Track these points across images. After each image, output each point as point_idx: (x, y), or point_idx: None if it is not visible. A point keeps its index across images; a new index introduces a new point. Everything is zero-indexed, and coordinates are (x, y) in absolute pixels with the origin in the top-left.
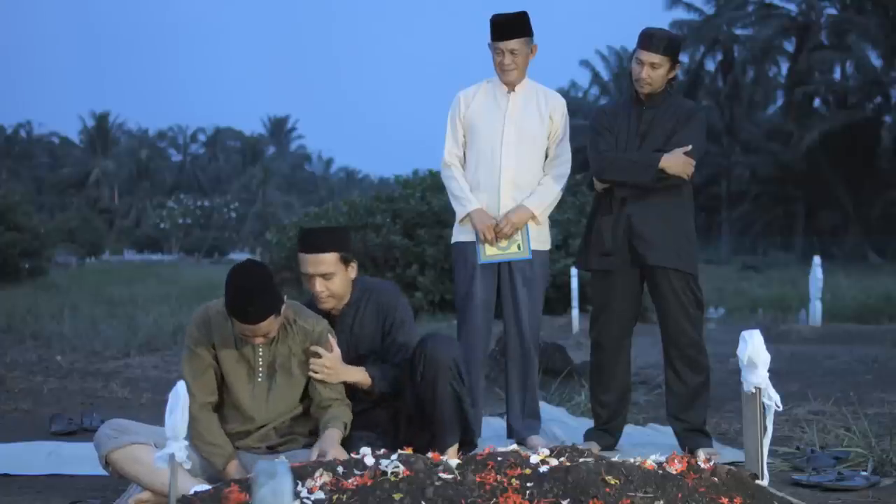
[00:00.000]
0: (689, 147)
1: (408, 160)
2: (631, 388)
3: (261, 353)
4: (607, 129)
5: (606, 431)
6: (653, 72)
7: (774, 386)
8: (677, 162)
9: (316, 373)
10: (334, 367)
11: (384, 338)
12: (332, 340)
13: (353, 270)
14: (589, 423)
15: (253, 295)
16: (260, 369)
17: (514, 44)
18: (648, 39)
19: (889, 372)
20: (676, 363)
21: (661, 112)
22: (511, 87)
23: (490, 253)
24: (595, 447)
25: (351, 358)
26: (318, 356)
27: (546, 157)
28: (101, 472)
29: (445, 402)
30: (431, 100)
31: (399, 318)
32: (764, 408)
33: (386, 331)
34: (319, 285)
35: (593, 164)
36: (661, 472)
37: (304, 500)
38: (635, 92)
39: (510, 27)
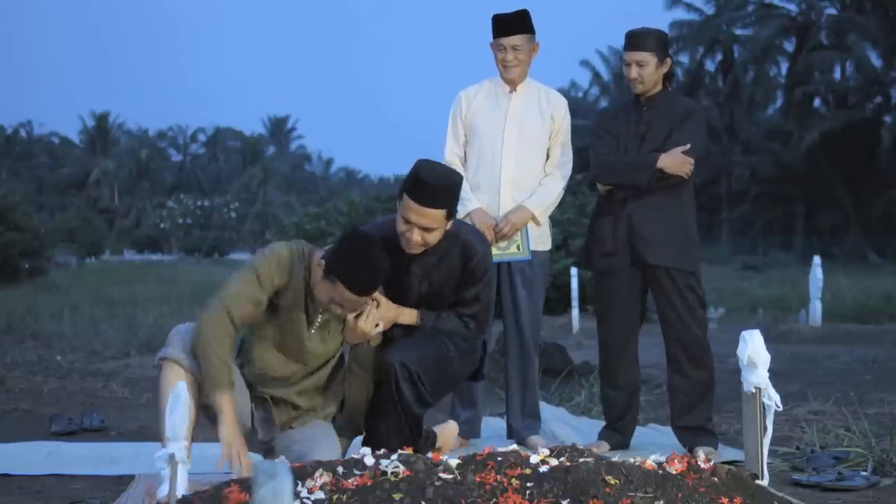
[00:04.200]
0: (688, 146)
1: (408, 160)
2: (640, 387)
3: (321, 311)
4: (607, 132)
5: (617, 430)
6: (641, 70)
7: (774, 386)
8: (674, 161)
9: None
10: (386, 317)
11: (460, 284)
12: (380, 296)
13: (450, 224)
14: (589, 422)
15: (378, 268)
16: (317, 323)
17: (516, 39)
18: (631, 39)
19: (889, 372)
20: (681, 363)
21: (661, 112)
22: (513, 86)
23: None
24: (605, 446)
25: (420, 295)
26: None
27: (547, 157)
28: (101, 472)
29: (384, 406)
30: (432, 99)
31: (480, 267)
32: (764, 408)
33: (465, 278)
34: (417, 235)
35: (592, 168)
36: (661, 472)
37: (304, 500)
38: (635, 94)
39: (512, 23)
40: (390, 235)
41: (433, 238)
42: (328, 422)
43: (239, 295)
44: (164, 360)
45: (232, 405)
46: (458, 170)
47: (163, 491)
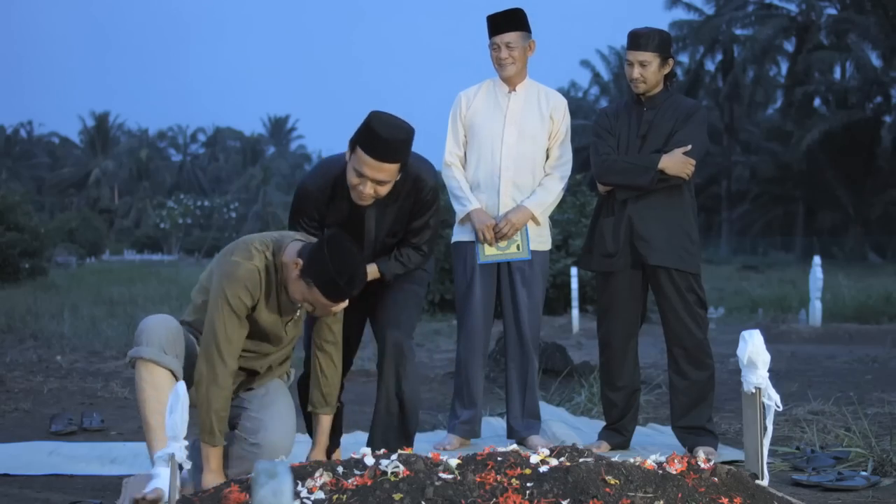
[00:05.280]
0: (689, 147)
1: None
2: (640, 387)
3: (298, 306)
4: (608, 132)
5: (617, 430)
6: (644, 70)
7: (774, 386)
8: (676, 162)
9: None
10: None
11: (411, 215)
12: None
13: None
14: (589, 422)
15: (357, 278)
16: (297, 315)
17: (509, 37)
18: (634, 39)
19: (889, 372)
20: (682, 363)
21: (662, 112)
22: (512, 86)
23: (489, 253)
24: (605, 446)
25: (376, 236)
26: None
27: (547, 157)
28: (101, 472)
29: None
30: (432, 100)
31: (430, 197)
32: (764, 408)
33: (416, 209)
34: (370, 188)
35: (594, 168)
36: (661, 472)
37: (304, 500)
38: (636, 94)
39: (505, 21)
40: (341, 181)
41: (384, 190)
42: (283, 380)
43: (230, 345)
44: (139, 360)
45: (219, 458)
46: (458, 169)
47: (152, 485)
